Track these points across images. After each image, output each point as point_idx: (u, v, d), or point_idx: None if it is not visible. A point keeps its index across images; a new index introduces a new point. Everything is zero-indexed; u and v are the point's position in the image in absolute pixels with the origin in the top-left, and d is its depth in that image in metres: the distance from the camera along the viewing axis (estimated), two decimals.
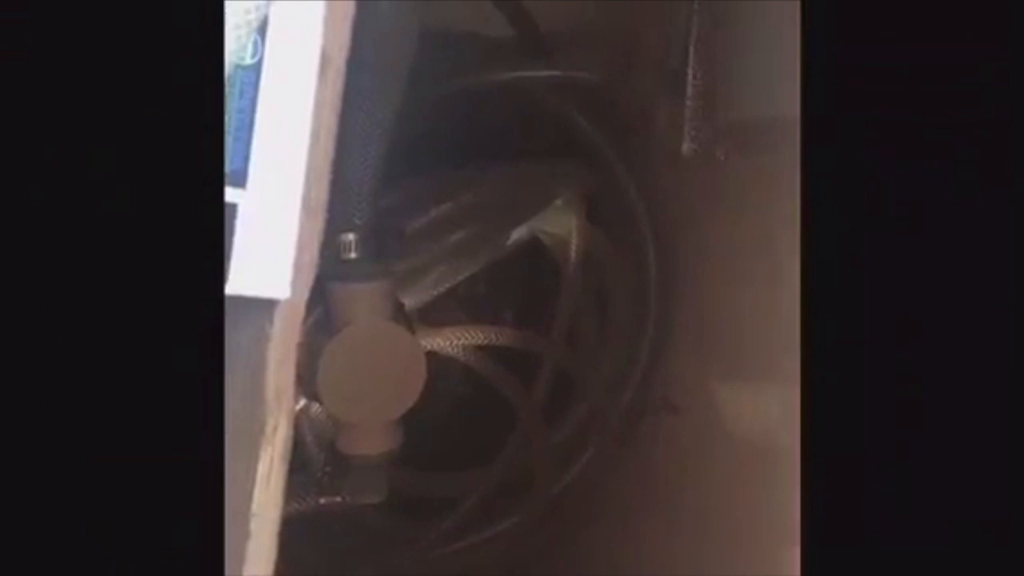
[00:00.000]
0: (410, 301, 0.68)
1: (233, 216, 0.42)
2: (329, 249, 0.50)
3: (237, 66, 0.41)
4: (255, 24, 0.40)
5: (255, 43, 0.41)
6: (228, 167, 0.41)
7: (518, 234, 0.73)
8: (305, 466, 0.65)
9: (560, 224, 0.74)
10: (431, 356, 0.69)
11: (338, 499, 0.60)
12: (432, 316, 0.72)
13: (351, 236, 0.55)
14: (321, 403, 0.57)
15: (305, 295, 0.45)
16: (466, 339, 0.71)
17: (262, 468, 0.44)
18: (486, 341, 0.72)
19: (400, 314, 0.58)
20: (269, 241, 0.43)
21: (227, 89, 0.40)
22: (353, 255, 0.55)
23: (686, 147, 0.64)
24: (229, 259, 0.42)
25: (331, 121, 0.45)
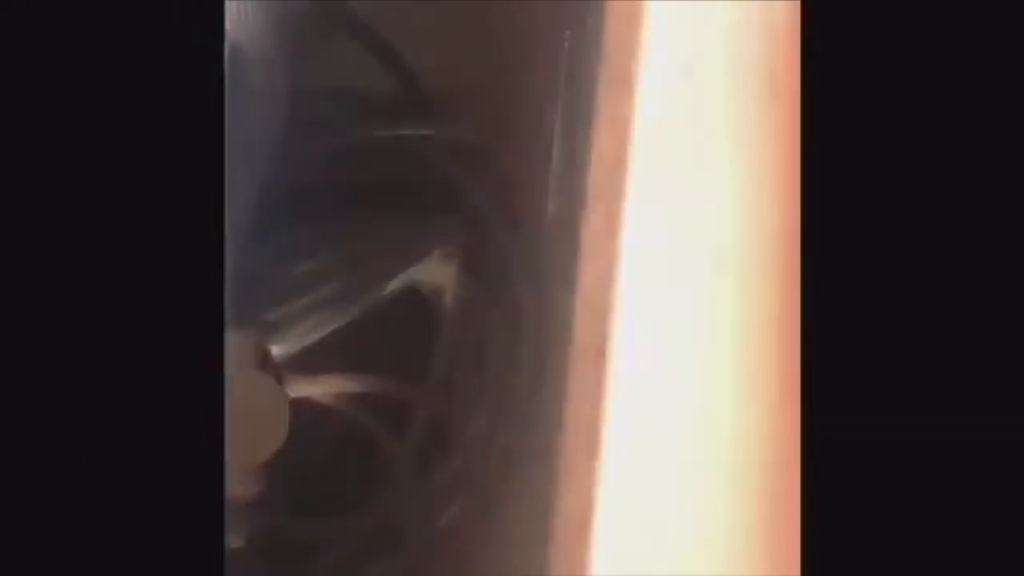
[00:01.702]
0: (282, 349, 0.69)
1: None
2: None
3: None
4: None
5: None
6: None
7: (396, 284, 0.75)
8: None
9: (438, 275, 0.76)
10: (306, 403, 0.70)
11: None
12: (306, 364, 0.74)
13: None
14: None
15: None
16: (340, 387, 0.72)
17: None
18: (361, 389, 0.73)
19: (267, 363, 0.60)
20: None
21: None
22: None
23: (551, 206, 0.66)
24: None
25: None
